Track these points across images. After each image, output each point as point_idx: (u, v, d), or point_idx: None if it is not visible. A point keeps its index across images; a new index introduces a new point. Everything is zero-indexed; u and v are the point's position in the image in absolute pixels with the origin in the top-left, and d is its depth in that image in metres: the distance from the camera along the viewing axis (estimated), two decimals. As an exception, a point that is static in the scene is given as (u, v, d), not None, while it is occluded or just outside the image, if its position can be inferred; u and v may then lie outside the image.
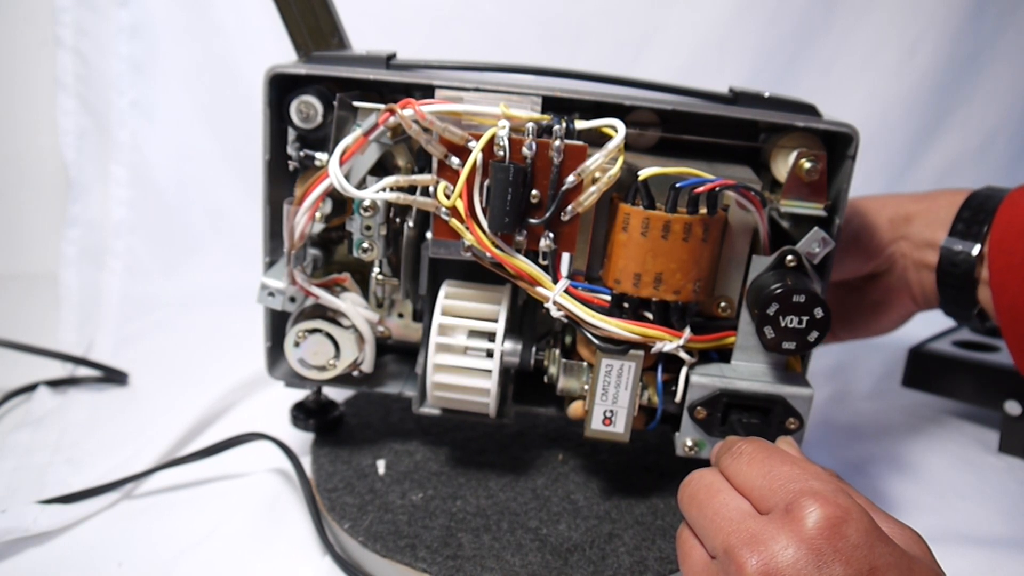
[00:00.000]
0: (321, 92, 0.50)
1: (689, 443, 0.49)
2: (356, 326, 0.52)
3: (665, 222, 0.45)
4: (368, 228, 0.50)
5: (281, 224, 0.51)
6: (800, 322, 0.45)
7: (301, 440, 0.61)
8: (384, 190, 0.46)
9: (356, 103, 0.49)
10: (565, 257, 0.47)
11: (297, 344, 0.52)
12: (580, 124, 0.45)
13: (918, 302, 0.64)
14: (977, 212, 0.59)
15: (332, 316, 0.52)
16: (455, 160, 0.45)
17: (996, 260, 0.56)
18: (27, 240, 1.03)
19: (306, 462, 0.58)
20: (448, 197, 0.45)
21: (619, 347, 0.47)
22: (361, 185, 0.49)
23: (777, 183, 0.50)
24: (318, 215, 0.50)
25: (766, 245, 0.48)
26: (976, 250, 0.58)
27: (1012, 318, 0.56)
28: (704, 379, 0.48)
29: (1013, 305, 0.55)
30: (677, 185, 0.45)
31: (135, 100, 0.97)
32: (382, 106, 0.47)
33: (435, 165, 0.46)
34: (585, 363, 0.51)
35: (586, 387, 0.50)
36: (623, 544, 0.51)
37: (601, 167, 0.45)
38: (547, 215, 0.45)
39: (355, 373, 0.54)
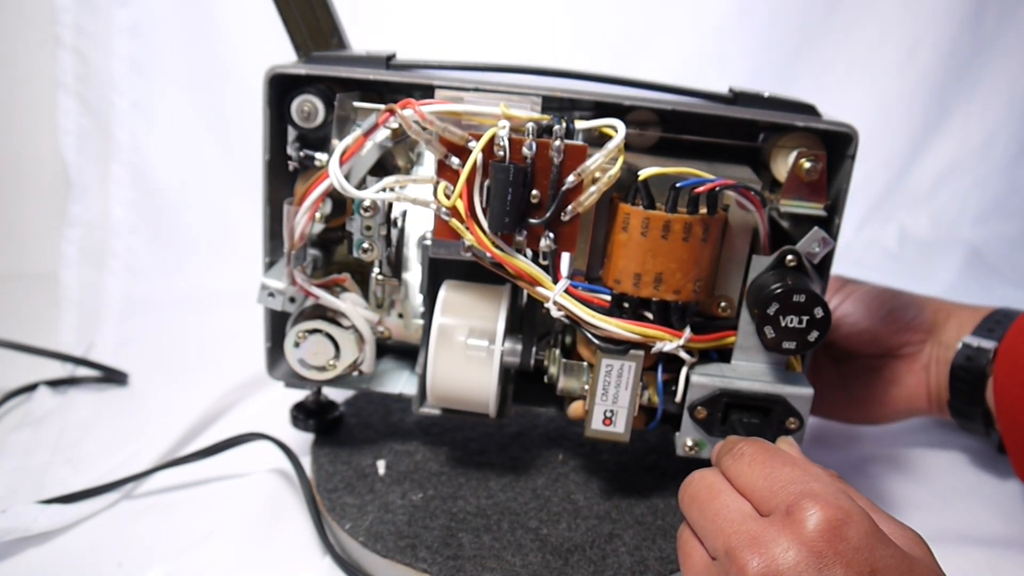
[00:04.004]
0: (322, 91, 0.50)
1: (689, 443, 0.49)
2: (356, 326, 0.52)
3: (665, 222, 0.45)
4: (368, 228, 0.50)
5: (281, 224, 0.51)
6: (800, 322, 0.45)
7: (301, 440, 0.61)
8: (384, 190, 0.46)
9: (356, 103, 0.49)
10: (565, 257, 0.47)
11: (297, 344, 0.52)
12: (580, 124, 0.45)
13: (931, 399, 0.63)
14: (1004, 318, 0.60)
15: (332, 316, 0.52)
16: (455, 160, 0.45)
17: (1002, 363, 0.57)
18: (27, 240, 1.03)
19: (306, 462, 0.58)
20: (448, 197, 0.45)
21: (619, 347, 0.47)
22: (361, 185, 0.49)
23: (777, 183, 0.50)
24: (318, 215, 0.51)
25: (766, 245, 0.48)
26: (992, 347, 0.59)
27: (1011, 421, 0.56)
28: (704, 379, 0.48)
29: (1012, 408, 0.56)
30: (677, 185, 0.45)
31: (135, 100, 0.97)
32: (382, 106, 0.47)
33: (435, 165, 0.46)
34: (585, 363, 0.51)
35: (586, 387, 0.50)
36: (624, 544, 0.51)
37: (601, 167, 0.45)
38: (547, 215, 0.45)
39: (355, 373, 0.54)
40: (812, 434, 0.70)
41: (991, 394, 0.58)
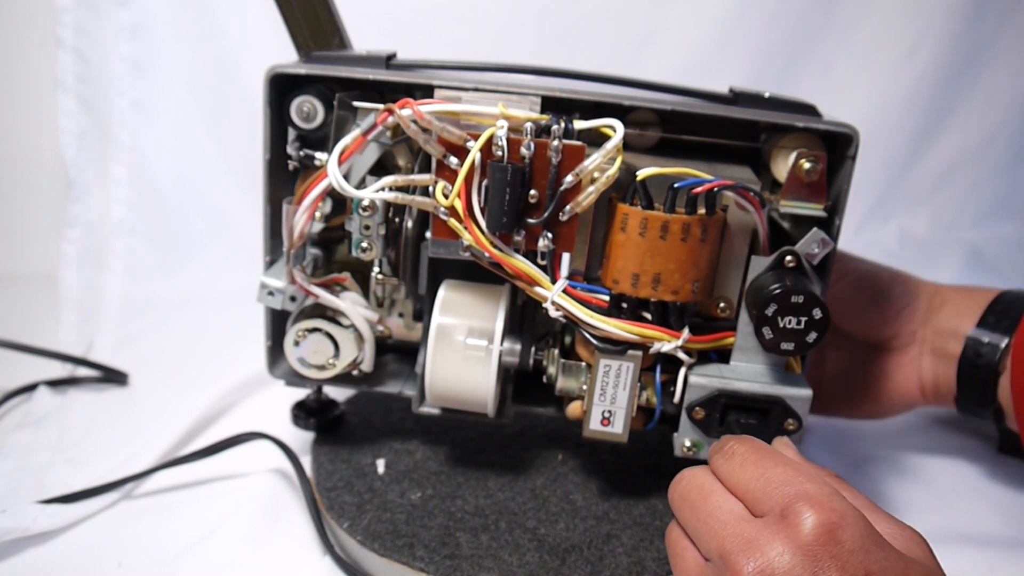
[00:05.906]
0: (321, 92, 0.50)
1: (687, 444, 0.49)
2: (356, 325, 0.52)
3: (663, 222, 0.45)
4: (367, 228, 0.50)
5: (281, 223, 0.51)
6: (799, 323, 0.45)
7: (301, 439, 0.61)
8: (383, 190, 0.46)
9: (355, 103, 0.49)
10: (564, 257, 0.47)
11: (297, 343, 0.52)
12: (579, 124, 0.45)
13: (925, 392, 0.62)
14: (1009, 307, 0.59)
15: (332, 315, 0.52)
16: (453, 160, 0.45)
17: (1019, 357, 0.55)
18: (27, 240, 1.03)
19: (306, 461, 0.58)
20: (447, 197, 0.45)
21: (617, 347, 0.47)
22: (360, 185, 0.49)
23: (777, 183, 0.50)
24: (317, 214, 0.51)
25: (765, 246, 0.48)
26: (1004, 343, 0.57)
27: None
28: (702, 379, 0.48)
29: None
30: (675, 185, 0.45)
31: (135, 100, 0.97)
32: (381, 106, 0.47)
33: (434, 165, 0.46)
34: (584, 363, 0.51)
35: (584, 387, 0.50)
36: (621, 545, 0.51)
37: (599, 167, 0.45)
38: (545, 215, 0.45)
39: (355, 372, 0.54)
40: (812, 435, 0.70)
41: (1004, 391, 0.57)
